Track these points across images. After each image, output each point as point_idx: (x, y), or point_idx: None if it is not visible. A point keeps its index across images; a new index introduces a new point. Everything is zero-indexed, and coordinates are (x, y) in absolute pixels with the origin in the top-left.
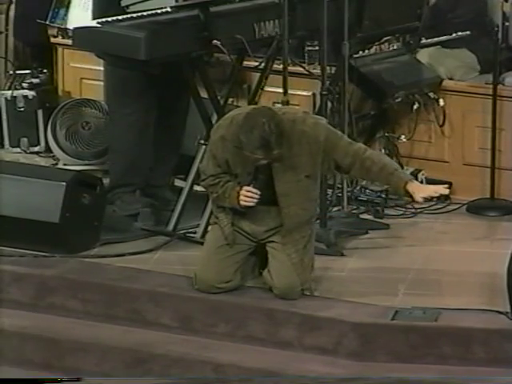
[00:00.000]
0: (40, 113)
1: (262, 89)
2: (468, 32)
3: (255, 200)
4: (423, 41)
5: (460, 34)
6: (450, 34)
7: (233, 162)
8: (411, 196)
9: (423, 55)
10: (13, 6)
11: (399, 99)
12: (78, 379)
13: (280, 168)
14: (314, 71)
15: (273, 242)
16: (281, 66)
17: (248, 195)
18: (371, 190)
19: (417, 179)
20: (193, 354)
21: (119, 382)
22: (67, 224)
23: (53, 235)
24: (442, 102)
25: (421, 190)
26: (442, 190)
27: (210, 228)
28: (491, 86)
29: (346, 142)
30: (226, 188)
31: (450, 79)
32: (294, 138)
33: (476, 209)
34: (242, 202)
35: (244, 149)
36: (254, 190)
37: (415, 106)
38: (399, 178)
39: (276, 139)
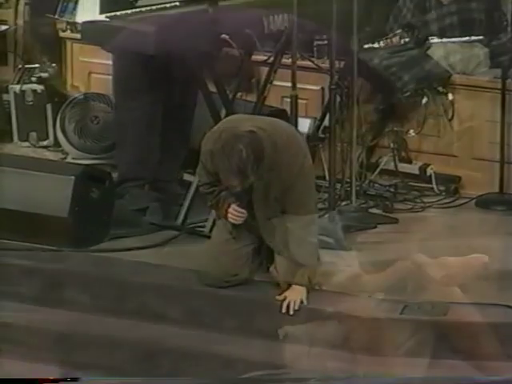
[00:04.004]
0: (49, 107)
1: (271, 83)
2: (481, 37)
3: (242, 219)
4: (435, 40)
5: (474, 38)
6: (463, 36)
7: (222, 176)
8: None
9: (438, 48)
10: (22, 0)
11: (408, 93)
12: (76, 379)
13: (258, 186)
14: (323, 65)
15: None
16: (290, 61)
17: (235, 214)
18: (380, 185)
19: (425, 173)
20: (201, 348)
21: (120, 382)
22: (76, 218)
23: (62, 229)
24: (450, 96)
25: (288, 294)
26: (294, 307)
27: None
28: (500, 81)
29: (305, 201)
30: (218, 199)
31: (464, 73)
32: (273, 161)
33: (485, 203)
34: (229, 220)
35: (221, 175)
36: (240, 210)
37: (424, 101)
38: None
39: (252, 166)
